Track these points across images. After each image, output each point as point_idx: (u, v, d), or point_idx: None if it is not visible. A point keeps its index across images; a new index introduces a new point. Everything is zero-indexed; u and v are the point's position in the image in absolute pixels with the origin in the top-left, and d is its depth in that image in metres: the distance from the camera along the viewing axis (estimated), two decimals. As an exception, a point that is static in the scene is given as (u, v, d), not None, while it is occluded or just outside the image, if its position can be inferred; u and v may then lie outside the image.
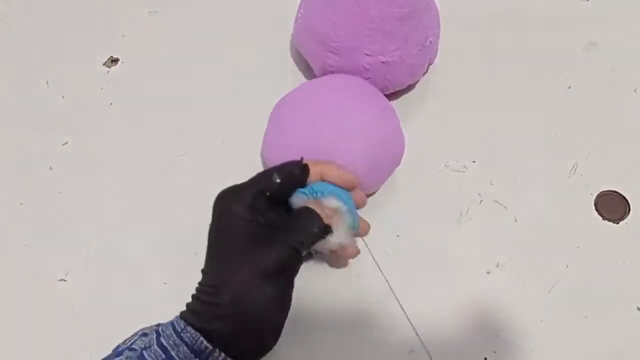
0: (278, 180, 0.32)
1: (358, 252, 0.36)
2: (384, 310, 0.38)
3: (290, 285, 0.32)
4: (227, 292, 0.29)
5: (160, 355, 0.28)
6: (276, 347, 0.35)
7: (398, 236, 0.41)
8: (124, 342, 0.30)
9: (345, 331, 0.37)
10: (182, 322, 0.29)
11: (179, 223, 0.42)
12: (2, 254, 0.41)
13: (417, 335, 0.36)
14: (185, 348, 0.28)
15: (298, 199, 0.33)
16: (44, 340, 0.38)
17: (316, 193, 0.33)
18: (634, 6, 0.54)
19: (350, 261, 0.40)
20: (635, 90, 0.48)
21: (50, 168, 0.45)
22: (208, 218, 0.42)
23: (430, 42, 0.43)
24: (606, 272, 0.39)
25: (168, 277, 0.39)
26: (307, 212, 0.32)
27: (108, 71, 0.51)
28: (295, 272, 0.32)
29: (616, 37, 0.51)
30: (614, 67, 0.49)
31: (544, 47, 0.51)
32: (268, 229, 0.31)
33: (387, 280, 0.39)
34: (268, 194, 0.32)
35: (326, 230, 0.31)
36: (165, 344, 0.28)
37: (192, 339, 0.28)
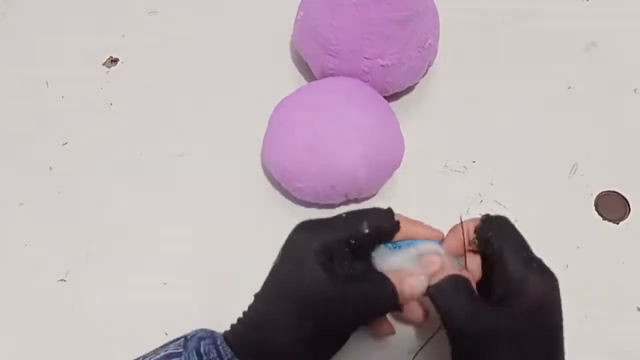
0: (367, 231, 0.29)
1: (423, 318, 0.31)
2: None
3: (341, 345, 0.31)
4: (282, 334, 0.28)
5: None
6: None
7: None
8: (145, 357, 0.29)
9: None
10: (229, 349, 0.28)
11: (178, 223, 0.42)
12: (2, 254, 0.41)
13: (417, 336, 0.36)
14: None
15: (382, 254, 0.30)
16: (44, 340, 0.38)
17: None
18: (634, 6, 0.54)
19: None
20: (635, 90, 0.48)
21: (50, 168, 0.45)
22: (208, 218, 0.42)
23: (430, 44, 0.43)
24: (606, 272, 0.39)
25: (168, 278, 0.39)
26: (385, 283, 0.28)
27: (108, 71, 0.51)
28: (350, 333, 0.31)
29: (616, 37, 0.51)
30: (613, 67, 0.49)
31: (544, 47, 0.51)
32: (340, 285, 0.28)
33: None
34: (353, 242, 0.29)
35: (397, 309, 0.29)
36: None
37: None
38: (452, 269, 0.30)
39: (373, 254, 0.30)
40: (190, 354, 0.28)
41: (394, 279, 0.29)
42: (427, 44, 0.43)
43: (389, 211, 0.31)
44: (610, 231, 0.41)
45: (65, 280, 0.40)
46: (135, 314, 0.38)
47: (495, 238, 0.30)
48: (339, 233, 0.29)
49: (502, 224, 0.31)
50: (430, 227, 0.32)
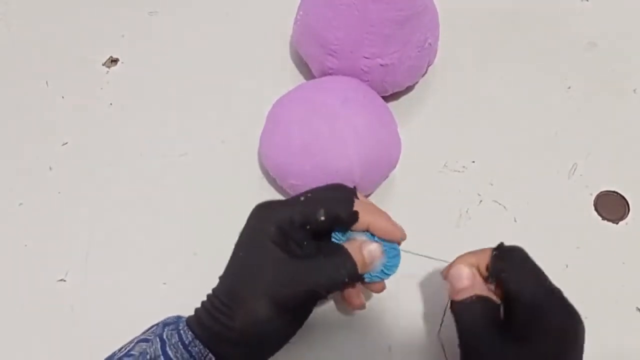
0: (322, 219, 0.29)
1: (384, 287, 0.33)
2: (385, 310, 0.38)
3: (303, 319, 0.31)
4: (240, 318, 0.28)
5: None
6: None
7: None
8: (120, 350, 0.29)
9: (344, 331, 0.37)
10: (190, 332, 0.28)
11: (178, 223, 0.42)
12: (2, 254, 0.41)
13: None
14: None
15: (338, 238, 0.31)
16: (44, 340, 0.38)
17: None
18: (634, 6, 0.54)
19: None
20: (635, 90, 0.48)
21: (50, 168, 0.45)
22: (207, 218, 0.42)
23: (430, 43, 0.43)
24: (606, 272, 0.39)
25: (168, 277, 0.39)
26: (342, 254, 0.29)
27: (108, 71, 0.51)
28: (311, 309, 0.31)
29: (616, 37, 0.51)
30: (613, 67, 0.49)
31: (544, 48, 0.51)
32: (297, 260, 0.28)
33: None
34: (308, 227, 0.29)
35: (357, 279, 0.30)
36: (172, 355, 0.28)
37: (200, 355, 0.28)
38: (482, 287, 0.30)
39: (332, 235, 0.31)
40: (154, 340, 0.28)
41: (350, 247, 0.29)
42: (426, 44, 0.43)
43: (349, 199, 0.30)
44: (610, 231, 0.41)
45: (65, 281, 0.40)
46: (135, 314, 0.38)
47: (510, 276, 0.30)
48: (294, 216, 0.29)
49: (516, 259, 0.31)
50: (393, 224, 0.32)
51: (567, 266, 0.39)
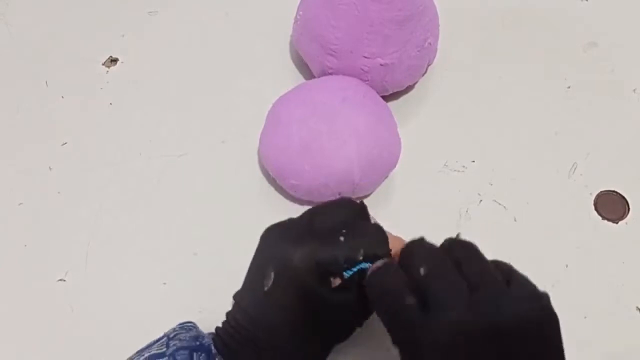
0: (361, 258, 0.28)
1: None
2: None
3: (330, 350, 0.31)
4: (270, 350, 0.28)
5: None
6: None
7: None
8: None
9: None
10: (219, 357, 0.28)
11: (178, 223, 0.42)
12: (2, 254, 0.41)
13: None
14: None
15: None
16: (44, 340, 0.38)
17: None
18: (634, 6, 0.54)
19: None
20: (634, 90, 0.48)
21: (50, 168, 0.45)
22: (207, 218, 0.42)
23: (430, 43, 0.43)
24: (606, 272, 0.39)
25: (167, 277, 0.39)
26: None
27: (107, 71, 0.51)
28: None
29: (616, 37, 0.51)
30: (613, 67, 0.49)
31: (544, 47, 0.51)
32: (338, 294, 0.28)
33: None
34: (345, 265, 0.28)
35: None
36: None
37: None
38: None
39: None
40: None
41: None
42: (426, 44, 0.43)
43: (386, 240, 0.29)
44: (610, 231, 0.41)
45: (64, 280, 0.40)
46: (135, 314, 0.38)
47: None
48: (334, 256, 0.27)
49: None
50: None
51: (567, 266, 0.39)
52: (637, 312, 0.37)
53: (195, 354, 0.28)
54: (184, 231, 0.41)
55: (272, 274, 0.28)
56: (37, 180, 0.45)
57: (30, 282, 0.40)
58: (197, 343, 0.29)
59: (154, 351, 0.28)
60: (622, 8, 0.54)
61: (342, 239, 0.29)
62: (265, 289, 0.28)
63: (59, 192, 0.44)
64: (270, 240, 0.30)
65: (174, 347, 0.28)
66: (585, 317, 0.37)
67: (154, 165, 0.45)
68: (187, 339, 0.29)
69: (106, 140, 0.47)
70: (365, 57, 0.41)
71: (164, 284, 0.39)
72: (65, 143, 0.47)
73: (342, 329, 0.30)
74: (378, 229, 0.30)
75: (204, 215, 0.42)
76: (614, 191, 0.42)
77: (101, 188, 0.44)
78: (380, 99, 0.41)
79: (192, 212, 0.42)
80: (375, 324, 0.37)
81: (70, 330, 0.38)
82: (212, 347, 0.29)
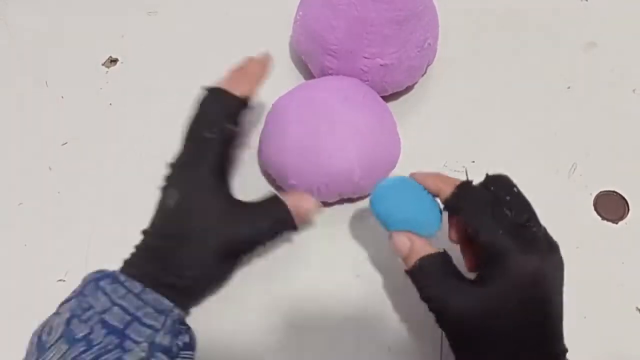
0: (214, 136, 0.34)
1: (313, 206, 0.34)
2: (385, 310, 0.38)
3: (239, 263, 0.34)
4: (183, 261, 0.31)
5: (124, 318, 0.29)
6: (273, 345, 0.35)
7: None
8: (44, 327, 0.31)
9: (344, 331, 0.37)
10: (137, 283, 0.30)
11: (178, 223, 0.42)
12: (2, 254, 0.41)
13: (416, 335, 0.36)
14: (151, 309, 0.29)
15: None
16: (44, 340, 0.37)
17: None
18: (633, 6, 0.54)
19: (351, 262, 0.40)
20: (634, 91, 0.48)
21: (50, 168, 0.45)
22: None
23: (429, 43, 0.43)
24: (605, 272, 0.39)
25: (167, 277, 0.39)
26: (276, 205, 0.33)
27: (107, 71, 0.51)
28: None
29: (616, 37, 0.51)
30: (613, 67, 0.49)
31: (544, 47, 0.51)
32: (238, 207, 0.32)
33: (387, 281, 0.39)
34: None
35: (292, 227, 0.33)
36: (127, 306, 0.29)
37: (156, 301, 0.30)
38: (424, 246, 0.31)
39: None
40: (92, 296, 0.30)
41: (289, 200, 0.33)
42: (426, 44, 0.43)
43: (217, 96, 0.35)
44: (610, 231, 0.41)
45: (64, 281, 0.40)
46: (135, 314, 0.38)
47: (467, 217, 0.30)
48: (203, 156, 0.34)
49: (474, 197, 0.30)
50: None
51: (566, 266, 0.39)
52: (637, 312, 0.37)
53: (100, 282, 0.31)
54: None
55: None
56: (37, 180, 0.45)
57: (30, 282, 0.40)
58: (99, 276, 0.31)
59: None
60: (622, 8, 0.54)
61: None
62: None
63: (59, 192, 0.44)
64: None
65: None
66: (585, 317, 0.37)
67: (154, 165, 0.45)
68: (95, 276, 0.32)
69: (106, 140, 0.47)
70: (365, 57, 0.41)
71: (164, 284, 0.39)
72: (65, 143, 0.47)
73: (244, 243, 0.33)
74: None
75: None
76: (613, 191, 0.42)
77: (101, 188, 0.44)
78: (380, 99, 0.41)
79: (192, 212, 0.42)
80: (375, 323, 0.37)
81: (70, 330, 0.38)
82: (120, 274, 0.31)
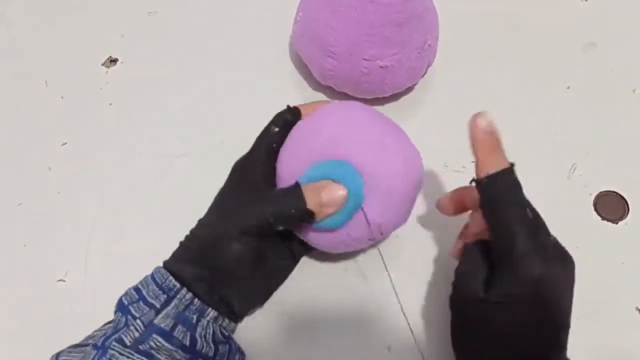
0: (277, 129, 0.35)
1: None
2: (385, 310, 0.38)
3: (266, 249, 0.33)
4: (200, 239, 0.32)
5: (134, 296, 0.30)
6: (274, 346, 0.35)
7: (397, 237, 0.41)
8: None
9: (344, 331, 0.37)
10: (163, 270, 0.31)
11: (178, 223, 0.42)
12: (2, 254, 0.41)
13: (413, 334, 0.36)
14: (154, 286, 0.30)
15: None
16: (43, 341, 0.37)
17: (326, 175, 0.32)
18: (633, 6, 0.54)
19: (351, 262, 0.40)
20: (634, 91, 0.48)
21: (49, 168, 0.45)
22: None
23: (429, 45, 0.43)
24: (605, 272, 0.39)
25: (167, 278, 0.39)
26: (294, 190, 0.32)
27: (107, 71, 0.51)
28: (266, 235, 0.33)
29: (615, 38, 0.51)
30: (613, 67, 0.49)
31: (543, 48, 0.51)
32: (263, 192, 0.33)
33: (391, 281, 0.39)
34: (274, 145, 0.34)
35: (308, 216, 0.31)
36: (139, 285, 0.31)
37: (161, 278, 0.30)
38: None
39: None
40: (129, 290, 0.31)
41: (310, 187, 0.32)
42: (426, 45, 0.43)
43: (287, 107, 0.36)
44: (609, 231, 0.41)
45: (64, 281, 0.40)
46: (135, 314, 0.38)
47: (501, 212, 0.30)
48: (260, 149, 0.35)
49: (508, 193, 0.31)
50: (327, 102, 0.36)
51: (566, 266, 0.39)
52: (637, 312, 0.37)
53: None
54: (183, 231, 0.41)
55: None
56: (36, 180, 0.45)
57: (30, 282, 0.40)
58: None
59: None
60: (622, 8, 0.54)
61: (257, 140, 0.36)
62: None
63: (58, 192, 0.44)
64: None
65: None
66: (585, 317, 0.37)
67: (154, 165, 0.45)
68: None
69: (106, 140, 0.47)
70: (365, 59, 0.41)
71: (164, 284, 0.39)
72: (65, 143, 0.47)
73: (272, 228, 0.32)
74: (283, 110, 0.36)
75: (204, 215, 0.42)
76: (613, 191, 0.42)
77: (101, 188, 0.44)
78: (386, 118, 0.38)
79: (192, 212, 0.42)
80: (375, 323, 0.37)
81: (70, 330, 0.38)
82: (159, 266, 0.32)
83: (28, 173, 0.45)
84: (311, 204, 0.31)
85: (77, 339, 0.37)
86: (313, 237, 0.34)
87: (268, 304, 0.38)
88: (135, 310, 0.29)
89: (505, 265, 0.28)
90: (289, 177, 0.34)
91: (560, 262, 0.29)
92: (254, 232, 0.31)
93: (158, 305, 0.29)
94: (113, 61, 0.52)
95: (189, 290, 0.30)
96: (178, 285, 0.30)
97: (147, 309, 0.29)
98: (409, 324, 0.37)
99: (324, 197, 0.31)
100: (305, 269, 0.39)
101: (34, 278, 0.40)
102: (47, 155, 0.46)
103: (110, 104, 0.49)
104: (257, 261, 0.32)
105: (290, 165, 0.34)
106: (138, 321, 0.28)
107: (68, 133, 0.47)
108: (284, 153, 0.35)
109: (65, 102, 0.49)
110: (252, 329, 0.37)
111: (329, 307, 0.38)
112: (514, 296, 0.28)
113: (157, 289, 0.30)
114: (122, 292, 0.39)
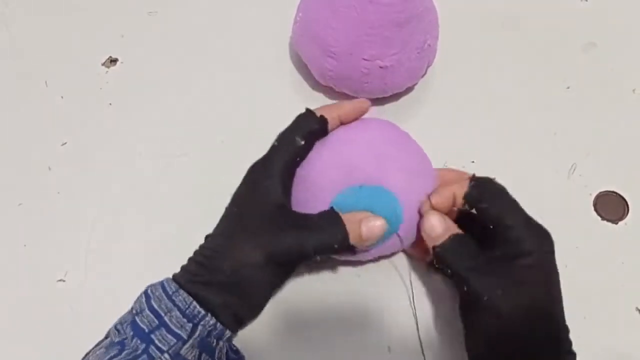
0: (302, 143, 0.32)
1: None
2: (385, 309, 0.38)
3: (289, 273, 0.32)
4: (230, 261, 0.29)
5: (154, 321, 0.28)
6: (273, 346, 0.35)
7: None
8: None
9: (344, 331, 0.37)
10: (174, 283, 0.29)
11: (178, 223, 0.42)
12: (1, 254, 0.41)
13: (419, 334, 0.36)
14: (178, 312, 0.28)
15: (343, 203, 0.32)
16: (43, 341, 0.38)
17: (363, 203, 0.32)
18: (633, 6, 0.54)
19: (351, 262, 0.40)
20: (634, 91, 0.48)
21: (49, 168, 0.45)
22: (208, 218, 0.42)
23: (429, 44, 0.43)
24: (605, 272, 0.39)
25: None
26: (336, 222, 0.30)
27: (107, 71, 0.51)
28: (296, 266, 0.32)
29: (615, 38, 0.51)
30: (612, 67, 0.49)
31: (543, 48, 0.51)
32: (293, 214, 0.31)
33: (403, 280, 0.39)
34: (298, 159, 0.33)
35: (348, 250, 0.31)
36: (157, 307, 0.28)
37: (184, 303, 0.28)
38: (454, 226, 0.32)
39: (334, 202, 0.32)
40: (139, 297, 0.30)
41: (351, 219, 0.30)
42: (426, 45, 0.43)
43: (311, 113, 0.33)
44: (609, 231, 0.41)
45: (64, 281, 0.40)
46: (135, 314, 0.38)
47: (491, 206, 0.32)
48: (281, 158, 0.32)
49: (494, 190, 0.33)
50: (358, 104, 0.35)
51: (566, 266, 0.39)
52: (637, 312, 0.37)
53: (150, 286, 0.30)
54: (183, 231, 0.41)
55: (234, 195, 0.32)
56: (36, 180, 0.45)
57: (30, 282, 0.40)
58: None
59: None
60: (622, 8, 0.54)
61: (276, 144, 0.33)
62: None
63: (58, 192, 0.44)
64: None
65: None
66: (584, 318, 0.37)
67: (154, 165, 0.45)
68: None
69: (106, 140, 0.47)
70: (365, 59, 0.41)
71: (164, 284, 0.39)
72: (65, 143, 0.47)
73: (295, 257, 0.31)
74: (306, 114, 0.34)
75: (204, 215, 0.42)
76: (613, 192, 0.42)
77: (101, 188, 0.44)
78: (409, 138, 0.38)
79: (192, 212, 0.42)
80: (375, 323, 0.37)
81: (70, 330, 0.38)
82: (167, 278, 0.30)
83: (28, 173, 0.45)
84: (352, 236, 0.30)
85: (77, 339, 0.37)
86: (342, 256, 0.35)
87: (268, 304, 0.38)
88: (160, 342, 0.27)
89: (510, 249, 0.30)
90: (316, 197, 0.33)
91: (548, 237, 0.32)
92: (284, 260, 0.30)
93: (185, 336, 0.28)
94: (113, 61, 0.52)
95: (215, 317, 0.29)
96: (203, 311, 0.28)
97: (174, 340, 0.27)
98: (417, 324, 0.37)
99: (364, 231, 0.30)
100: (305, 269, 0.39)
101: (34, 278, 0.40)
102: (47, 155, 0.46)
103: (110, 104, 0.49)
104: (280, 284, 0.32)
105: (319, 183, 0.33)
106: (166, 355, 0.27)
107: (68, 133, 0.47)
108: (311, 169, 0.34)
109: (65, 102, 0.49)
110: (252, 329, 0.37)
111: (328, 307, 0.38)
112: (522, 279, 0.30)
113: (181, 316, 0.28)
114: (122, 292, 0.39)
